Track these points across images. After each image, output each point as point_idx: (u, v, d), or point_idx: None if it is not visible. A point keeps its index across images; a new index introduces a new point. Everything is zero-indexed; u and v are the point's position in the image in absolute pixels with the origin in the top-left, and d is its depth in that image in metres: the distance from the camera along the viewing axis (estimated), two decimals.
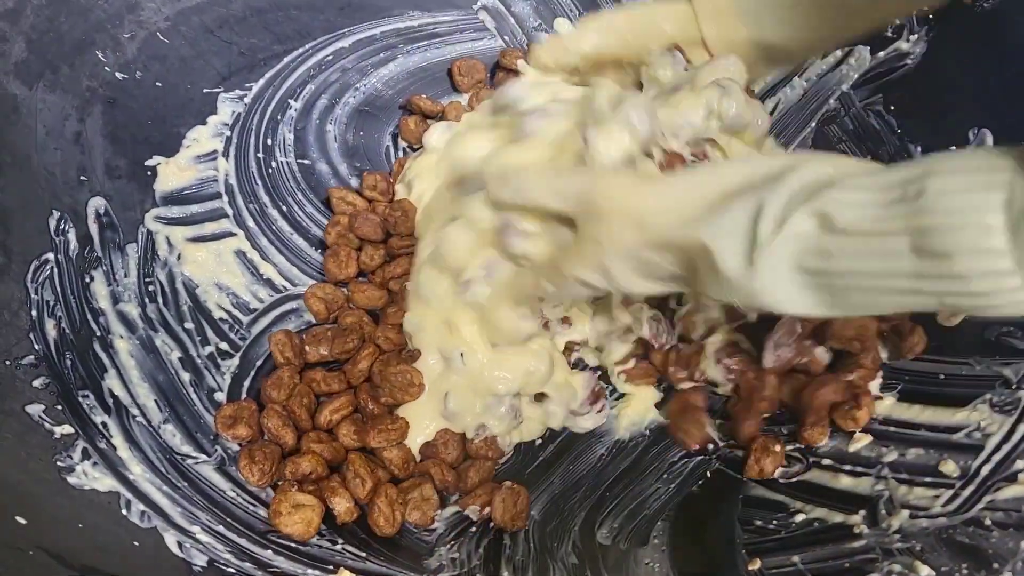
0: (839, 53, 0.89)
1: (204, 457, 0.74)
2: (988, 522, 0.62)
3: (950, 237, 0.45)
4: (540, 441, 0.81)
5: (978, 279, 0.45)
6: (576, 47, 0.79)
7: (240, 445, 0.75)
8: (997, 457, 0.65)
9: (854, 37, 0.72)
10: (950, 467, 0.68)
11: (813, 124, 0.92)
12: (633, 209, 0.58)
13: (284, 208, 0.87)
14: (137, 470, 0.70)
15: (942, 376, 0.74)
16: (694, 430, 0.78)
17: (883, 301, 0.51)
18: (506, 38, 0.97)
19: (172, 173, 0.83)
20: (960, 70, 0.82)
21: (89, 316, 0.74)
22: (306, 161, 0.89)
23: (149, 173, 0.82)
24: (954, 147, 0.82)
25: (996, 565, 0.58)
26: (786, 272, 0.52)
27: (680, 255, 0.58)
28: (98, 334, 0.74)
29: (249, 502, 0.73)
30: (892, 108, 0.87)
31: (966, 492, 0.65)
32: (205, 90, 0.85)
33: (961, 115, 0.81)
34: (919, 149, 0.85)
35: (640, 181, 0.61)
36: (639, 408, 0.82)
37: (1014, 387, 0.69)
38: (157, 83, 0.82)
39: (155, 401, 0.75)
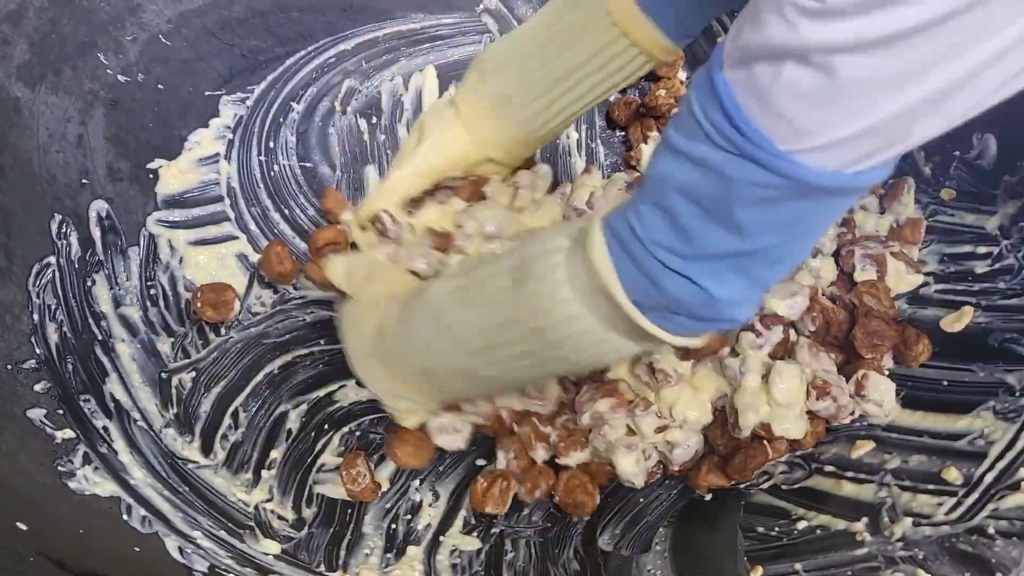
0: None
1: (206, 461, 0.74)
2: (991, 531, 0.62)
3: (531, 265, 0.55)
4: None
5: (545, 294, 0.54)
6: (388, 203, 0.78)
7: None
8: (1001, 465, 0.65)
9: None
10: (953, 475, 0.67)
11: None
12: None
13: (286, 211, 0.87)
14: (138, 475, 0.70)
15: (945, 383, 0.74)
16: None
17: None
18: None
19: (174, 176, 0.83)
20: None
21: (91, 320, 0.74)
22: (308, 164, 0.89)
23: (151, 176, 0.81)
24: (957, 152, 0.82)
25: (999, 574, 0.58)
26: None
27: None
28: (99, 338, 0.74)
29: (250, 506, 0.73)
30: None
31: (969, 500, 0.65)
32: (207, 93, 0.85)
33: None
34: (922, 153, 0.85)
35: None
36: None
37: (1017, 394, 0.68)
38: (159, 85, 0.82)
39: (156, 405, 0.74)
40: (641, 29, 0.63)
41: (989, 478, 0.65)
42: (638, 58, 0.66)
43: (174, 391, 0.76)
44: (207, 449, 0.75)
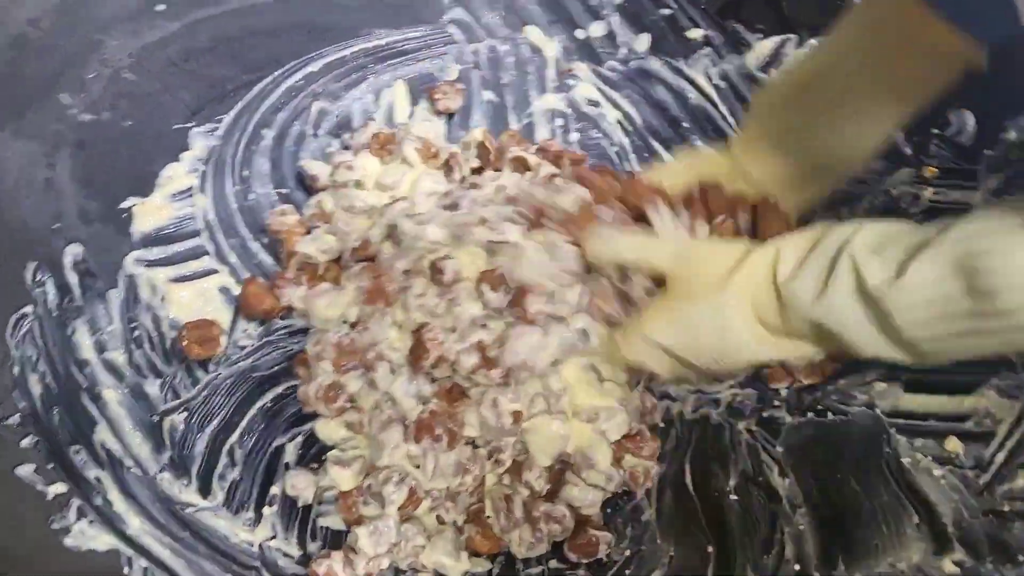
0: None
1: (205, 503, 0.72)
2: (1007, 511, 0.61)
3: (991, 277, 0.47)
4: None
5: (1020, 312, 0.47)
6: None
7: None
8: (1010, 444, 0.65)
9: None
10: (953, 445, 0.67)
11: None
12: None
13: (265, 240, 0.85)
14: (135, 524, 0.68)
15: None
16: None
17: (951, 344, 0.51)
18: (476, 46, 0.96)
19: (149, 213, 0.81)
20: None
21: (74, 368, 0.72)
22: (284, 190, 0.87)
23: (124, 215, 0.80)
24: (936, 129, 0.81)
25: (1021, 557, 0.58)
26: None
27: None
28: (84, 386, 0.72)
29: (254, 546, 0.71)
30: None
31: (981, 481, 0.65)
32: (176, 126, 0.84)
33: (941, 96, 0.81)
34: (902, 134, 0.84)
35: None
36: None
37: (1019, 370, 0.68)
38: (126, 122, 0.80)
39: (149, 450, 0.73)
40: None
41: (1000, 458, 0.65)
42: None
43: (166, 434, 0.75)
44: (205, 490, 0.74)
